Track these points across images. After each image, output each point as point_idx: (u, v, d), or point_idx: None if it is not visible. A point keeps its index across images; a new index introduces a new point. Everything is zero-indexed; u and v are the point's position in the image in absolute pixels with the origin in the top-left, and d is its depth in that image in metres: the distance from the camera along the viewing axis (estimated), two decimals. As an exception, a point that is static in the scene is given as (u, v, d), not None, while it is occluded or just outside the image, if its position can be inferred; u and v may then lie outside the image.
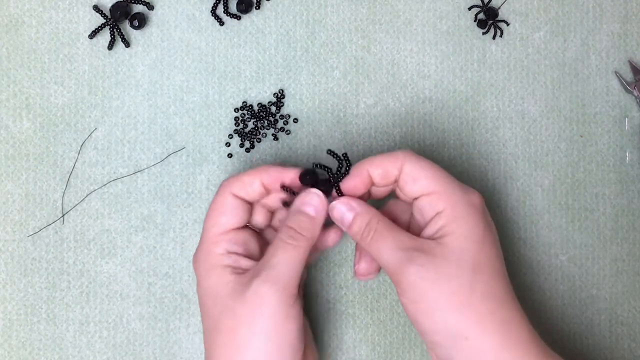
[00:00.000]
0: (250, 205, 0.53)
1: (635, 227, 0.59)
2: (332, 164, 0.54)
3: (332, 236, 0.54)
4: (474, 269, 0.48)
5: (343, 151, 0.57)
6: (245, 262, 0.51)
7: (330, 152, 0.53)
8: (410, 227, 0.53)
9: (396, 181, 0.52)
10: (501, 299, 0.49)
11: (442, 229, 0.49)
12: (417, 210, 0.51)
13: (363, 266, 0.53)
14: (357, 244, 0.54)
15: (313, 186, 0.52)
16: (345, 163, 0.52)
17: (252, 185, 0.52)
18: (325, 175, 0.52)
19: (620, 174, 0.59)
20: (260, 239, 0.54)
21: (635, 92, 0.59)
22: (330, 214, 0.52)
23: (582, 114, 0.59)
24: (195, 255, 0.52)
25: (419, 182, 0.50)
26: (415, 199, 0.51)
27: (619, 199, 0.59)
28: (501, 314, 0.48)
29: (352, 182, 0.52)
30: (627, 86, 0.59)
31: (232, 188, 0.52)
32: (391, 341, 0.58)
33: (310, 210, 0.51)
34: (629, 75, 0.59)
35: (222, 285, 0.50)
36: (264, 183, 0.52)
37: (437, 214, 0.49)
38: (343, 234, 0.54)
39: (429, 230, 0.50)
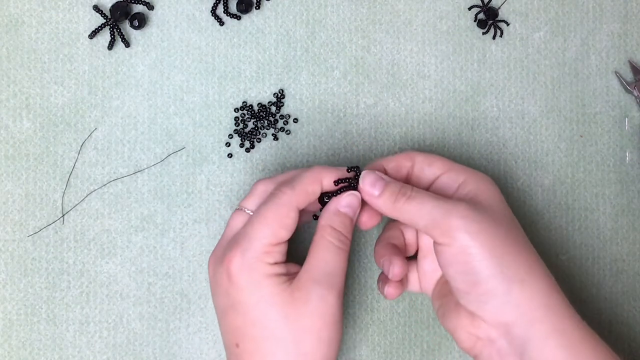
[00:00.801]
0: None
1: (635, 227, 0.59)
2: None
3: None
4: (512, 221, 0.50)
5: (343, 151, 0.57)
6: (292, 267, 0.50)
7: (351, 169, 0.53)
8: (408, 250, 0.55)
9: (408, 175, 0.53)
10: (537, 253, 0.50)
11: (471, 191, 0.50)
12: (438, 190, 0.52)
13: (397, 267, 0.52)
14: (376, 258, 0.53)
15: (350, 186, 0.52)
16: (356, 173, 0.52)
17: (315, 195, 0.51)
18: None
19: (620, 174, 0.59)
20: None
21: (635, 92, 0.59)
22: (359, 182, 0.51)
23: (582, 114, 0.59)
24: (240, 265, 0.49)
25: (435, 164, 0.52)
26: (433, 182, 0.52)
27: (619, 199, 0.59)
28: (543, 264, 0.50)
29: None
30: (627, 86, 0.59)
31: (298, 202, 0.50)
32: (391, 341, 0.58)
33: (350, 212, 0.51)
34: (629, 75, 0.59)
35: (277, 295, 0.48)
36: (323, 187, 0.51)
37: (461, 183, 0.51)
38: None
39: (457, 196, 0.51)
